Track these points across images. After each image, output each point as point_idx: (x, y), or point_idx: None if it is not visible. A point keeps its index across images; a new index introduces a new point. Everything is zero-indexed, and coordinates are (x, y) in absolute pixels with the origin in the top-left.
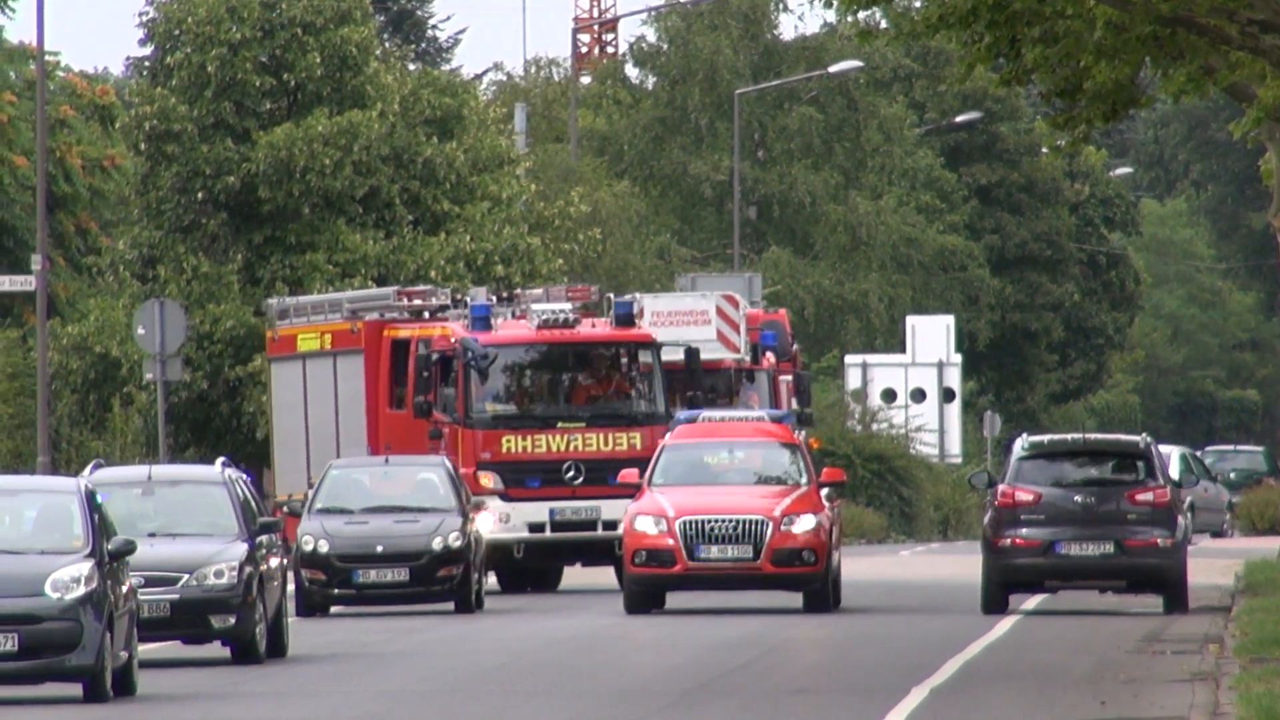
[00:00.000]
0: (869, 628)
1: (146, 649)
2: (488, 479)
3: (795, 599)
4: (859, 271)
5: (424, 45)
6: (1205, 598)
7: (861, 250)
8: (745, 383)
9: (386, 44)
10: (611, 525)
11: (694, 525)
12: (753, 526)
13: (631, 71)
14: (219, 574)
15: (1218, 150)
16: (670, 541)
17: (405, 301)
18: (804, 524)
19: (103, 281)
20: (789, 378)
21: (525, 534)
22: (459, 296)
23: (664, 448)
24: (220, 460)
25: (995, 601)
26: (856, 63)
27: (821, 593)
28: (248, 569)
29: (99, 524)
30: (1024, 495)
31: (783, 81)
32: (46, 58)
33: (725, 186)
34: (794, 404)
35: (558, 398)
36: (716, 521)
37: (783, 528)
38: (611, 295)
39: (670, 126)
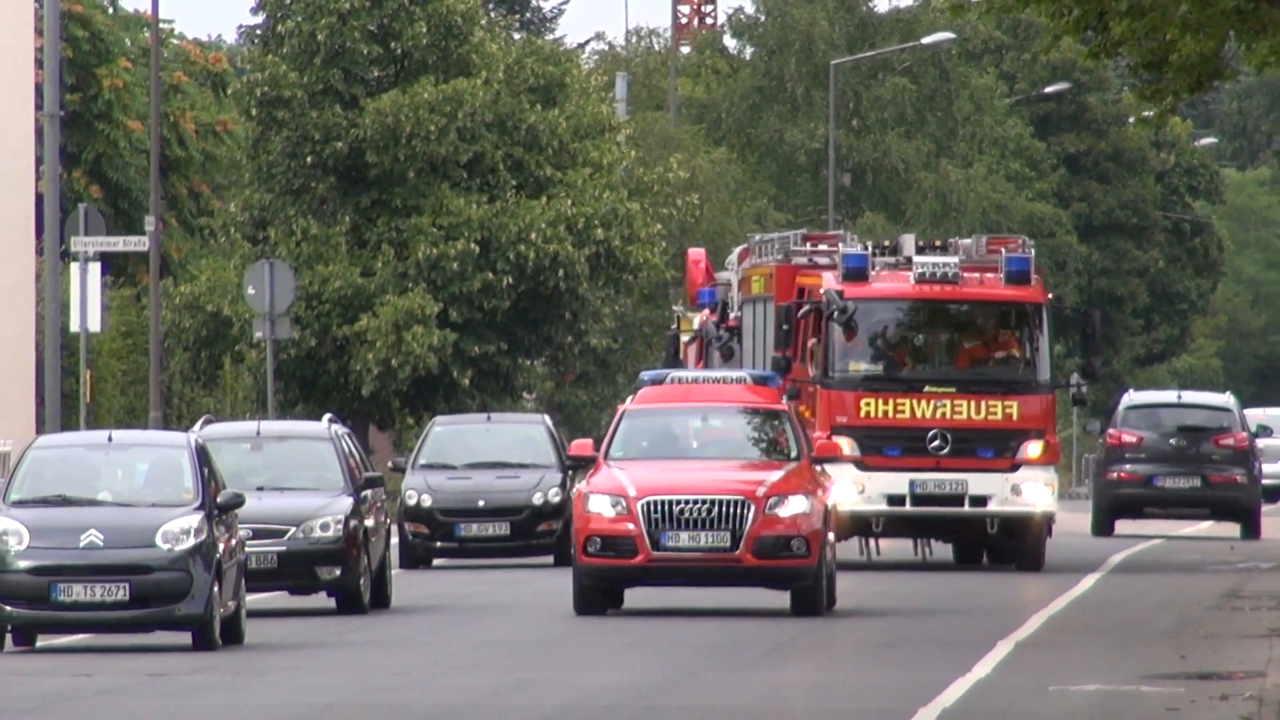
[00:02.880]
0: (953, 585)
1: (254, 599)
2: (843, 444)
3: (781, 598)
4: (950, 237)
5: (528, 15)
6: None
7: (952, 216)
8: None
9: (491, 14)
10: (980, 501)
11: (659, 507)
12: (731, 509)
13: (730, 42)
14: (325, 527)
15: None
16: (630, 527)
17: (808, 246)
18: (793, 506)
19: (214, 243)
20: None
21: (883, 506)
22: (887, 243)
23: (624, 414)
24: (327, 417)
25: (1103, 525)
26: (949, 35)
27: (813, 591)
28: (352, 522)
29: (208, 478)
30: (1129, 438)
31: (877, 52)
32: (161, 26)
33: (820, 154)
34: None
35: (928, 359)
36: (686, 503)
37: (767, 511)
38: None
39: (767, 95)
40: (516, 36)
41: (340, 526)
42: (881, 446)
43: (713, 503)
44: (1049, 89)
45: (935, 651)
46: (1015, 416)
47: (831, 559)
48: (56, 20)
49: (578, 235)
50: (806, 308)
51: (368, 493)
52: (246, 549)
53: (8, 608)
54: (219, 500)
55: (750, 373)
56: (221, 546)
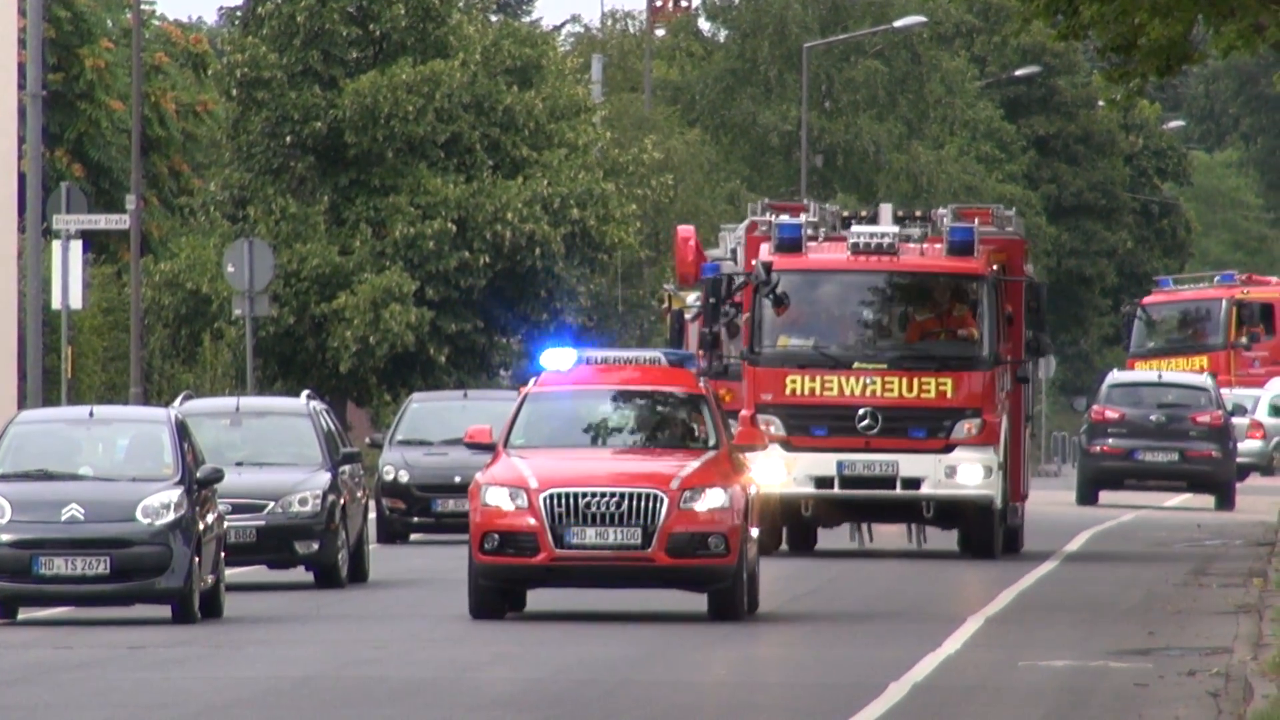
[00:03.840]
0: (924, 565)
1: (233, 573)
2: (768, 424)
3: (698, 600)
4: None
5: None
6: (1250, 533)
7: (923, 198)
8: None
9: None
10: (913, 484)
11: (563, 501)
12: (642, 503)
13: (704, 25)
14: (303, 501)
15: (1266, 104)
16: (531, 522)
17: (769, 216)
18: (711, 500)
19: (194, 221)
20: None
21: (811, 489)
22: (864, 214)
23: (526, 398)
24: (305, 393)
25: (1086, 495)
26: (920, 18)
27: (732, 593)
28: (330, 497)
29: (188, 453)
30: (1112, 414)
31: (849, 36)
32: (142, 6)
33: (793, 136)
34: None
35: (860, 334)
36: (594, 496)
37: (682, 505)
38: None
39: (740, 78)
40: (494, 19)
41: (319, 501)
42: (809, 426)
43: (622, 496)
44: (1019, 72)
45: (908, 628)
46: (950, 394)
47: (754, 557)
48: (39, 1)
49: (553, 215)
50: (741, 280)
51: (345, 468)
52: (225, 524)
53: None
54: (199, 475)
55: (666, 353)
56: (201, 521)
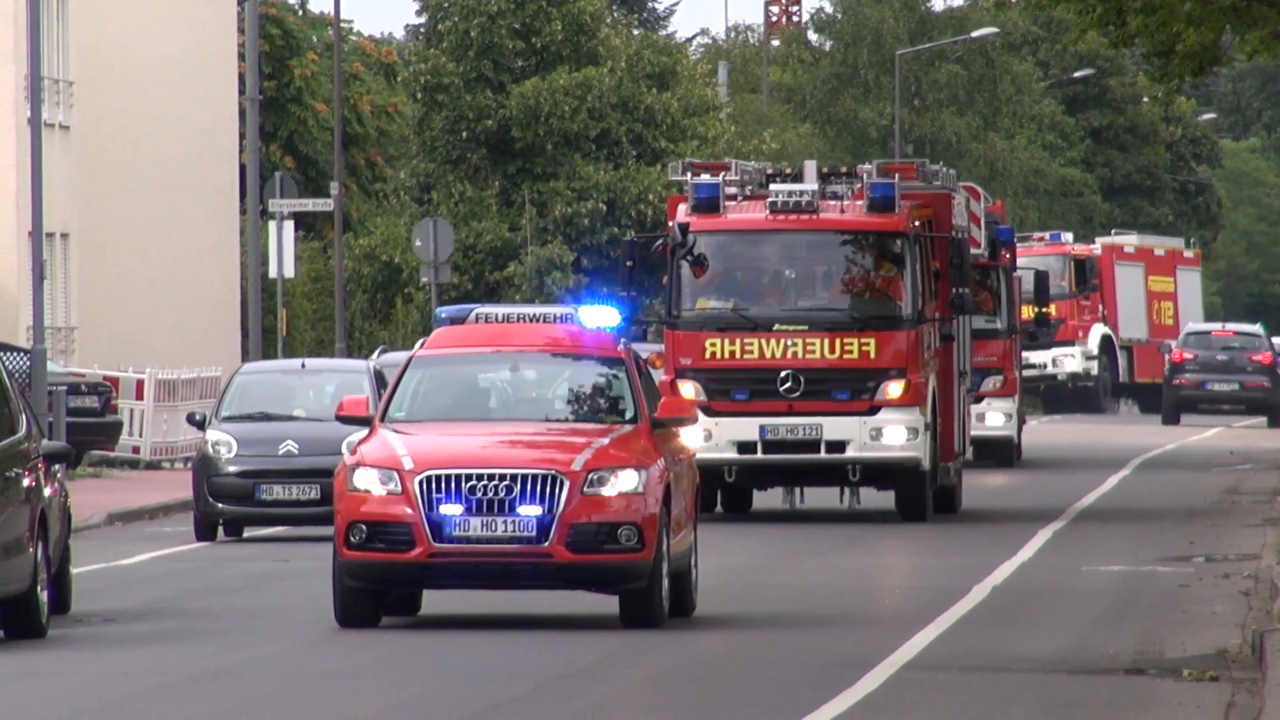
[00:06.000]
0: (996, 478)
1: None
2: (686, 388)
3: (609, 603)
4: (995, 198)
5: (645, 14)
6: (1274, 459)
7: (998, 180)
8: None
9: (615, 13)
10: (838, 447)
11: (443, 484)
12: (537, 488)
13: (812, 36)
14: None
15: None
16: (406, 510)
17: (688, 176)
18: (621, 484)
19: (387, 203)
20: (1020, 275)
21: (733, 454)
22: (789, 171)
23: (410, 363)
24: None
25: (1170, 417)
26: (994, 29)
27: (647, 594)
28: None
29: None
30: (1188, 355)
31: (934, 44)
32: (342, 25)
33: (888, 129)
34: (1024, 303)
35: (780, 295)
36: (479, 479)
37: (586, 489)
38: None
39: (843, 81)
40: (636, 32)
41: None
42: (730, 390)
43: (513, 479)
44: (1077, 74)
45: (987, 537)
46: (873, 355)
47: (685, 550)
48: (255, 20)
49: None
50: (659, 242)
51: None
52: None
53: (220, 505)
54: None
55: (582, 308)
56: None
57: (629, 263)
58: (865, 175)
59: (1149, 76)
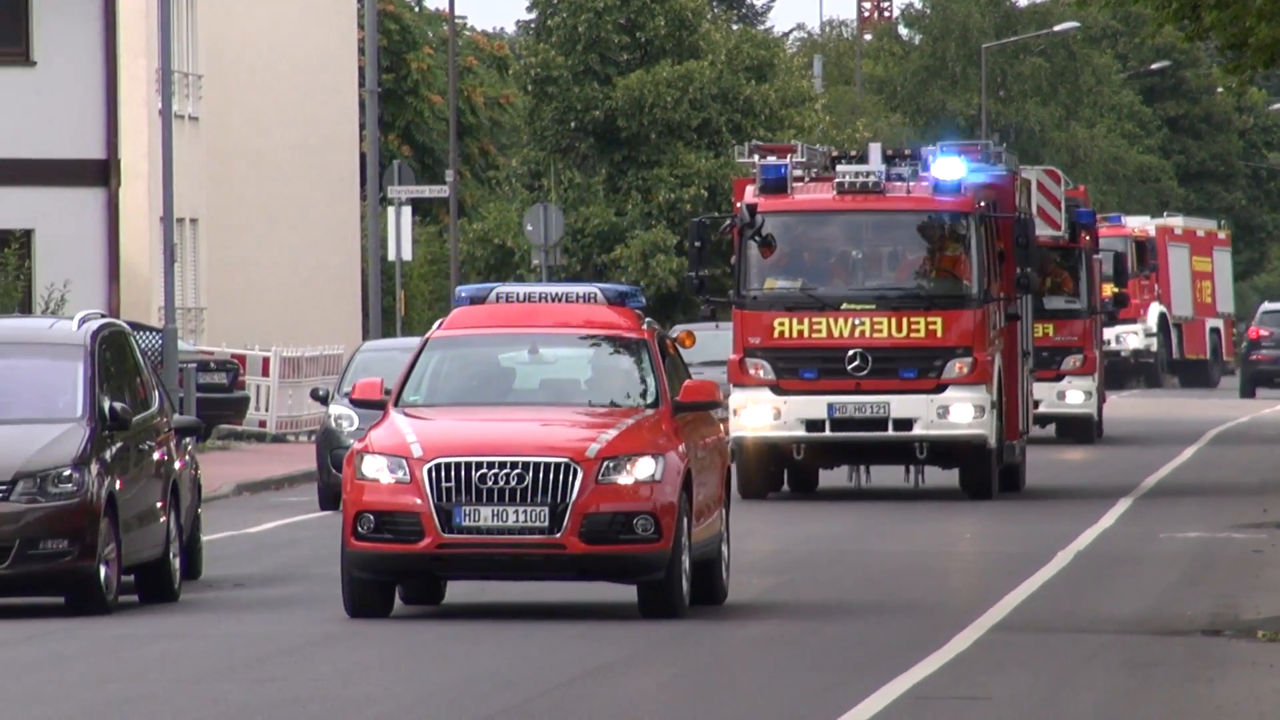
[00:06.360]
0: (1085, 452)
1: None
2: (756, 367)
3: (628, 592)
4: (1077, 184)
5: (744, 10)
6: None
7: (1079, 167)
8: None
9: (715, 9)
10: (905, 425)
11: (453, 473)
12: (550, 476)
13: (903, 30)
14: None
15: None
16: (415, 500)
17: (755, 159)
18: (639, 472)
19: (500, 190)
20: (1100, 257)
21: (801, 432)
22: (854, 154)
23: (426, 344)
24: None
25: (1247, 391)
26: (1075, 24)
27: (666, 585)
28: None
29: None
30: (1264, 332)
31: (1018, 38)
32: (456, 20)
33: (975, 119)
34: (1105, 286)
35: (847, 275)
36: (490, 467)
37: (601, 478)
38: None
39: (932, 73)
40: (735, 27)
41: None
42: (798, 369)
43: (525, 467)
44: (1154, 66)
45: (1071, 510)
46: (940, 333)
47: (713, 537)
48: (374, 16)
49: None
50: (727, 223)
51: None
52: None
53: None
54: None
55: (604, 288)
56: None
57: (697, 243)
58: (929, 157)
59: (1223, 68)
